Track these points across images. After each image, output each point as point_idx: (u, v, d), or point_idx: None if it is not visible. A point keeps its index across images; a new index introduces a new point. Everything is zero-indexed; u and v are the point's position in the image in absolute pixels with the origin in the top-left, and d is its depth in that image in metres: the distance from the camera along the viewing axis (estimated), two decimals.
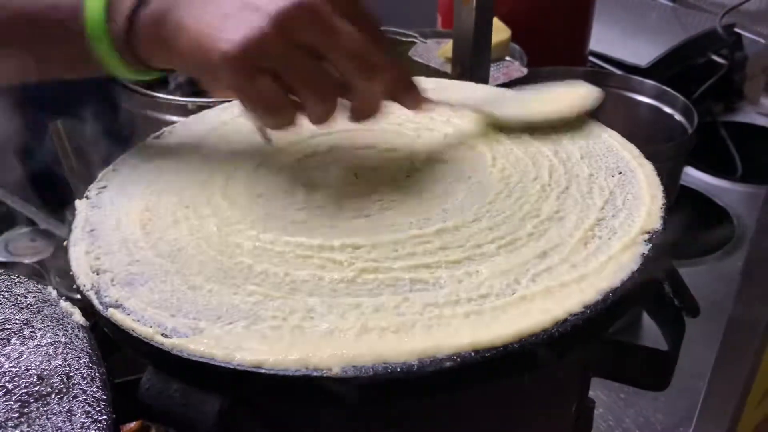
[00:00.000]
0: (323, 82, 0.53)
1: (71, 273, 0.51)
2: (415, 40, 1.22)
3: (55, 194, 1.13)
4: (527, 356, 0.42)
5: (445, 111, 0.70)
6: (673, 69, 1.50)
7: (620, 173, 0.59)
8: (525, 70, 1.15)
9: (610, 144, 0.63)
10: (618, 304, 0.46)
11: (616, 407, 0.94)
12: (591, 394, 0.65)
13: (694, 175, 1.38)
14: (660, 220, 0.53)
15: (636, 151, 0.62)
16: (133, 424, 0.78)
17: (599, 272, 0.47)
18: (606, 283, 0.47)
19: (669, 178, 0.99)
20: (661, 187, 0.57)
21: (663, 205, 0.54)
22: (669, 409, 0.94)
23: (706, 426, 0.76)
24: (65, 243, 0.55)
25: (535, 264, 0.48)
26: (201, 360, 0.42)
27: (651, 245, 0.50)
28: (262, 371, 0.41)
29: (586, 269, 0.48)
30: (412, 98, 0.59)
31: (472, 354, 0.41)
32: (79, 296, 0.51)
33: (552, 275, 0.47)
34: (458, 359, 0.41)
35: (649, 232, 0.51)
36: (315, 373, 0.41)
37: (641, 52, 1.50)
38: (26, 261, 1.05)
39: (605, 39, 1.48)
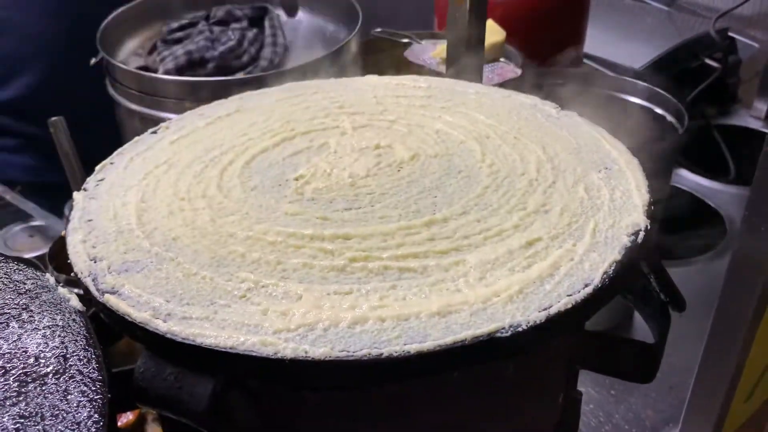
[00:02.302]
0: None
1: (69, 261, 0.52)
2: (410, 41, 1.23)
3: (54, 190, 1.14)
4: (509, 343, 0.44)
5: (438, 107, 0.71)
6: (667, 72, 1.52)
7: (607, 168, 0.60)
8: (519, 71, 1.16)
9: (597, 140, 0.64)
10: (599, 293, 0.47)
11: (606, 403, 0.95)
12: (581, 390, 0.66)
13: (687, 177, 1.39)
14: (644, 214, 0.54)
15: (622, 148, 0.63)
16: (130, 416, 0.79)
17: (582, 262, 0.49)
18: (588, 272, 0.48)
19: (660, 178, 1.00)
20: (646, 182, 0.58)
21: (647, 199, 0.56)
22: (659, 405, 0.95)
23: (694, 421, 0.77)
24: (63, 233, 0.56)
25: (520, 255, 0.50)
26: (194, 343, 0.44)
27: (633, 237, 0.51)
28: (254, 354, 0.42)
29: (569, 260, 0.49)
30: None
31: (458, 340, 0.43)
32: (76, 289, 0.52)
33: (535, 265, 0.49)
34: (443, 345, 0.42)
35: (632, 226, 0.52)
36: (307, 357, 0.42)
37: (635, 55, 1.51)
38: (24, 256, 1.06)
39: (600, 42, 1.49)
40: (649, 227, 0.53)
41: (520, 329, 0.43)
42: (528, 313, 0.44)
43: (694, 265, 1.20)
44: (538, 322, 0.44)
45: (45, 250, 1.03)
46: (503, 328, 0.43)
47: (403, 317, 0.44)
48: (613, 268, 0.48)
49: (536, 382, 0.57)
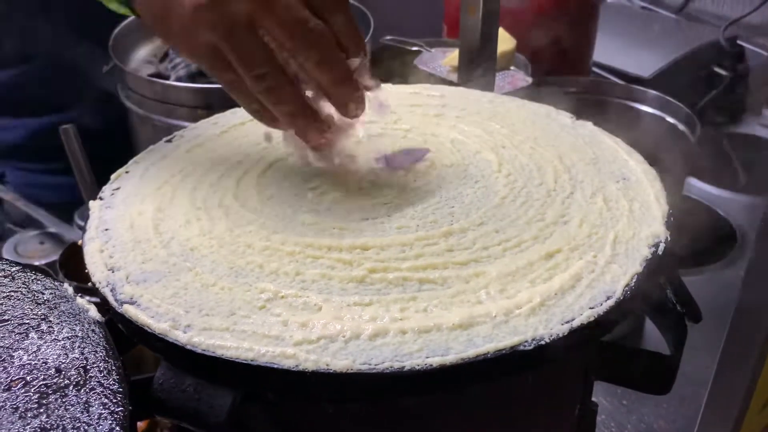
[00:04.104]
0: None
1: (85, 270, 0.52)
2: (420, 49, 1.23)
3: (65, 197, 1.14)
4: (531, 356, 0.43)
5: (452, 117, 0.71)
6: (676, 80, 1.51)
7: (624, 179, 0.60)
8: (530, 80, 1.16)
9: (614, 150, 0.64)
10: (621, 307, 0.47)
11: (618, 413, 0.94)
12: (593, 399, 0.66)
13: (697, 186, 1.39)
14: (663, 225, 0.54)
15: (640, 158, 0.63)
16: (141, 424, 0.79)
17: (603, 274, 0.49)
18: (610, 285, 0.48)
19: (672, 187, 0.99)
20: (664, 194, 0.58)
21: (666, 210, 0.55)
22: (671, 416, 0.94)
23: None
24: (80, 242, 0.56)
25: (540, 266, 0.49)
26: (214, 355, 0.43)
27: (654, 250, 0.51)
28: (275, 366, 0.42)
29: (590, 271, 0.49)
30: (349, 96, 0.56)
31: (480, 353, 0.42)
32: (88, 297, 0.52)
33: (556, 277, 0.48)
34: (466, 358, 0.42)
35: (652, 237, 0.52)
36: (328, 369, 0.42)
37: (645, 63, 1.51)
38: (35, 263, 1.06)
39: (609, 50, 1.49)
40: (669, 238, 0.52)
41: (543, 342, 0.43)
42: (551, 326, 0.44)
43: (705, 275, 1.19)
44: (561, 335, 0.43)
45: (55, 257, 1.03)
46: (526, 342, 0.43)
47: (425, 329, 0.44)
48: (634, 280, 0.48)
49: (554, 394, 0.56)
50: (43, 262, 1.06)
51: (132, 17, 1.15)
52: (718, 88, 1.55)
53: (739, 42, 1.60)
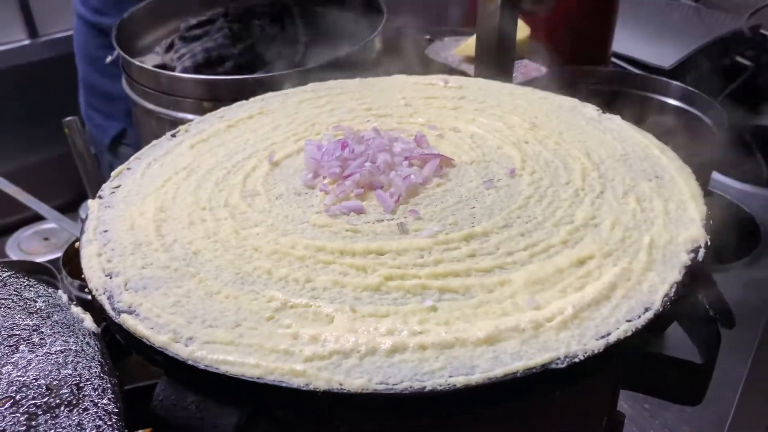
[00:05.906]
0: None
1: (83, 276, 0.49)
2: (432, 38, 1.20)
3: (69, 192, 1.11)
4: (564, 374, 0.40)
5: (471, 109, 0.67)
6: (697, 71, 1.47)
7: (657, 177, 0.56)
8: (544, 70, 1.12)
9: (645, 146, 0.60)
10: (661, 318, 0.43)
11: (641, 418, 0.91)
12: None
13: (718, 180, 1.34)
14: (702, 228, 0.50)
15: (672, 154, 0.59)
16: None
17: (640, 283, 0.45)
18: (648, 295, 0.44)
19: (701, 183, 0.95)
20: (701, 193, 0.54)
21: (704, 211, 0.51)
22: (695, 420, 0.90)
23: None
24: (77, 244, 0.53)
25: (571, 274, 0.46)
26: (218, 372, 0.40)
27: (693, 255, 0.47)
28: (284, 385, 0.39)
29: (625, 280, 0.45)
30: None
31: (509, 373, 0.39)
32: (90, 297, 0.49)
33: (589, 286, 0.44)
34: (493, 377, 0.39)
35: (691, 242, 0.48)
36: (342, 389, 0.38)
37: (664, 53, 1.47)
38: (38, 260, 1.04)
39: (628, 40, 1.45)
40: (709, 243, 0.48)
41: (576, 360, 0.39)
42: (585, 341, 0.40)
43: (729, 272, 1.15)
44: (596, 351, 0.40)
45: (59, 253, 1.00)
46: (558, 359, 0.39)
47: (447, 345, 0.40)
48: (674, 290, 0.44)
49: (582, 407, 0.53)
50: (46, 258, 1.03)
51: (138, 6, 1.12)
52: (741, 79, 1.50)
53: (762, 31, 1.56)
